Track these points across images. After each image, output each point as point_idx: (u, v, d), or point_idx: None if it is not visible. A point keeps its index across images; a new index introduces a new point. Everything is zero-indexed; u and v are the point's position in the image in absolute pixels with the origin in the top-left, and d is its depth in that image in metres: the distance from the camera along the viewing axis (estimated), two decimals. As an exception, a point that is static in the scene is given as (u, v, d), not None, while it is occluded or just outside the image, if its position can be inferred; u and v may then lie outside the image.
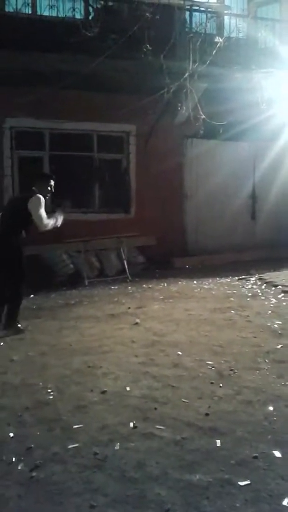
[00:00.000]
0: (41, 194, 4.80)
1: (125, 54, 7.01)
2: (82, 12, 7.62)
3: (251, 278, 7.25)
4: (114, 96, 8.06)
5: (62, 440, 2.65)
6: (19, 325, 4.89)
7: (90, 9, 7.66)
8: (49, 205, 5.18)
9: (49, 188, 4.96)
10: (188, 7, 7.94)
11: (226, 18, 8.58)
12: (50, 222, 4.83)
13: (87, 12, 7.65)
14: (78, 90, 7.78)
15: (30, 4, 7.55)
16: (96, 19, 7.11)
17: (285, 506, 2.06)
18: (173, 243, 8.86)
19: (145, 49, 6.65)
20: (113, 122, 8.41)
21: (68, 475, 2.32)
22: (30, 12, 7.57)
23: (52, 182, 4.98)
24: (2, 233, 4.81)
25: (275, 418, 2.82)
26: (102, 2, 7.70)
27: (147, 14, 6.64)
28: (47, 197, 4.97)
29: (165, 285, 7.12)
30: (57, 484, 2.26)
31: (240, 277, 7.41)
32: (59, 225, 4.94)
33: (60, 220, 4.94)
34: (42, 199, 4.78)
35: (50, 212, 4.98)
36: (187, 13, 8.02)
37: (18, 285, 4.88)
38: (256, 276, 7.31)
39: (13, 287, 4.86)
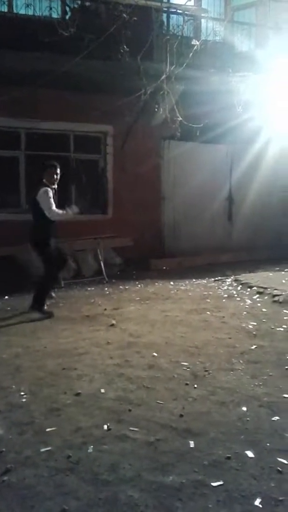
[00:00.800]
0: (49, 184, 5.53)
1: (102, 54, 6.98)
2: (59, 11, 7.55)
3: (227, 280, 7.31)
4: (91, 96, 8.03)
5: (35, 444, 2.61)
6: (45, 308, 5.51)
7: (67, 8, 7.61)
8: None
9: (55, 176, 5.61)
10: (166, 9, 7.97)
11: (203, 21, 8.64)
12: (59, 211, 5.48)
13: (64, 12, 7.59)
14: (55, 89, 7.72)
15: (6, 2, 7.45)
16: (73, 18, 7.05)
17: (257, 506, 2.08)
18: (150, 245, 8.86)
19: (122, 50, 6.63)
20: (90, 122, 8.36)
21: (40, 479, 2.29)
22: (6, 10, 7.47)
23: (58, 170, 5.63)
24: (31, 227, 5.60)
25: (248, 419, 2.84)
26: (79, 2, 7.66)
27: (124, 15, 6.62)
28: (55, 186, 5.64)
29: (142, 286, 7.11)
30: (29, 488, 2.22)
31: (216, 279, 7.46)
32: (71, 216, 5.67)
33: (70, 213, 5.64)
34: (49, 190, 5.45)
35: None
36: (165, 15, 8.05)
37: (46, 275, 5.64)
38: (232, 278, 7.37)
39: (43, 275, 5.66)
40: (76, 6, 7.62)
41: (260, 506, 2.07)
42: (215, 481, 2.25)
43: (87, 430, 2.74)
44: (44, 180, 5.56)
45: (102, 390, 3.29)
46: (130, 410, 2.98)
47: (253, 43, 9.06)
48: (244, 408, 2.98)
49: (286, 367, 3.65)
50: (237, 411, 2.95)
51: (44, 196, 5.40)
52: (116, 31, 6.82)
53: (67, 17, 7.47)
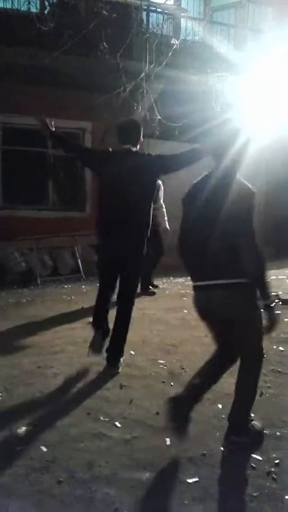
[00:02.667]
0: None
1: (81, 50, 6.95)
2: (38, 6, 7.48)
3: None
4: (69, 93, 7.96)
5: (10, 442, 2.58)
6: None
7: (46, 3, 7.53)
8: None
9: None
10: (145, 7, 7.97)
11: (182, 20, 8.67)
12: None
13: (42, 6, 7.52)
14: (33, 84, 7.63)
15: (-17, -5, 7.35)
16: (52, 13, 7.00)
17: (232, 502, 2.10)
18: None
19: (101, 47, 6.62)
20: (68, 118, 8.28)
21: (15, 477, 2.26)
22: (-17, 3, 7.36)
23: None
24: None
25: (223, 416, 2.86)
26: (58, -3, 7.60)
27: (104, 12, 6.61)
28: None
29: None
30: (4, 486, 2.20)
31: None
32: None
33: None
34: None
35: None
36: (144, 13, 8.05)
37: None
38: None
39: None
40: (55, 1, 7.56)
41: (234, 503, 2.10)
42: (191, 478, 2.26)
43: (63, 429, 2.72)
44: None
45: (79, 388, 3.28)
46: (106, 408, 2.97)
47: (231, 44, 9.14)
48: (220, 406, 3.00)
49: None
50: (213, 409, 2.98)
51: None
52: (96, 28, 6.81)
53: (46, 11, 7.40)
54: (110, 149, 3.91)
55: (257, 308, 2.45)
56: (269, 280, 2.43)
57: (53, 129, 3.81)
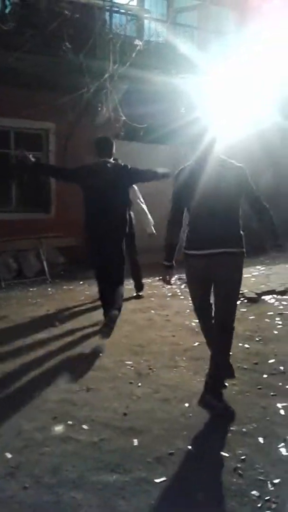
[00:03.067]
0: None
1: (44, 50, 6.86)
2: (-1, 4, 7.34)
3: (172, 279, 7.39)
4: (32, 93, 7.82)
5: (-27, 450, 2.52)
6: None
7: (7, 2, 7.40)
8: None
9: None
10: (108, 7, 7.94)
11: (146, 21, 8.69)
12: None
13: (3, 5, 7.37)
14: (-6, 84, 7.49)
15: None
16: (13, 12, 6.89)
17: (199, 500, 2.12)
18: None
19: (64, 47, 6.55)
20: (31, 119, 8.17)
21: (-21, 486, 2.21)
22: None
23: None
24: None
25: (190, 414, 2.89)
26: (19, -4, 7.48)
27: (66, 12, 6.55)
28: None
29: (86, 286, 7.04)
30: None
31: (161, 277, 7.52)
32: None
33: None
34: None
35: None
36: (107, 13, 8.02)
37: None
38: (176, 276, 7.45)
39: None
40: (16, 0, 7.43)
41: (202, 500, 2.11)
42: (159, 478, 2.26)
43: (28, 434, 2.68)
44: None
45: (45, 393, 3.23)
46: (73, 412, 2.94)
47: (195, 45, 9.22)
48: (187, 404, 3.02)
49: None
50: (180, 408, 2.99)
51: None
52: (58, 27, 6.74)
53: (6, 11, 7.27)
54: (91, 164, 4.67)
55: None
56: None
57: (33, 160, 4.54)
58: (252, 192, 3.06)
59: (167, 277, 3.26)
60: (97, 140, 4.76)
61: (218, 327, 3.02)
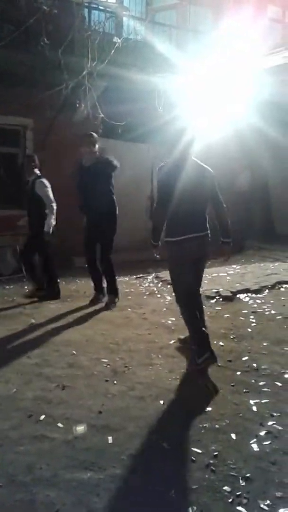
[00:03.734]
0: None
1: (21, 46, 6.79)
2: (-24, -2, 7.23)
3: (148, 277, 7.43)
4: (9, 88, 7.74)
5: None
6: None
7: (-15, -4, 7.30)
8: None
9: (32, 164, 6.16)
10: (87, 4, 7.91)
11: (124, 19, 8.68)
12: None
13: (-20, -1, 7.28)
14: (-29, 79, 7.38)
15: None
16: (-9, 7, 6.80)
17: (172, 496, 2.15)
18: (73, 242, 8.75)
19: (42, 43, 6.49)
20: (8, 114, 8.09)
21: None
22: None
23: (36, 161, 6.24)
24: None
25: (165, 412, 2.92)
26: (-4, -10, 7.38)
27: (45, 7, 6.49)
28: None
29: (64, 284, 7.02)
30: None
31: (138, 276, 7.56)
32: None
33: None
34: (45, 181, 6.07)
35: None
36: (86, 10, 7.98)
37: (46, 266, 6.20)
38: (153, 275, 7.50)
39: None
40: (-6, -6, 7.34)
41: (175, 496, 2.15)
42: (133, 475, 2.29)
43: (2, 433, 2.67)
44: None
45: (19, 391, 3.22)
46: (47, 410, 2.94)
47: (173, 44, 9.26)
48: (162, 402, 3.06)
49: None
50: (154, 405, 3.02)
51: (43, 187, 6.13)
52: (36, 23, 6.67)
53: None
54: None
55: None
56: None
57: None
58: (218, 196, 3.70)
59: (156, 251, 4.01)
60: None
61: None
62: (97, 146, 5.65)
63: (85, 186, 5.60)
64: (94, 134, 5.76)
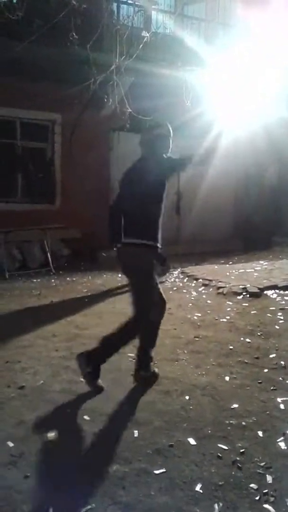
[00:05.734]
0: None
1: (50, 41, 6.83)
2: (6, -6, 7.30)
3: (174, 272, 7.41)
4: (39, 83, 7.83)
5: (-24, 438, 2.55)
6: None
7: (15, -9, 7.35)
8: None
9: None
10: (116, -2, 7.90)
11: (153, 13, 8.63)
12: None
13: (11, -5, 7.34)
14: (1, 75, 7.47)
15: None
16: (21, 2, 6.84)
17: (197, 491, 2.14)
18: (99, 236, 8.79)
19: (71, 38, 6.50)
20: (37, 109, 8.18)
21: (-19, 474, 2.24)
22: None
23: None
24: None
25: (191, 407, 2.91)
26: (27, -15, 7.43)
27: (74, 2, 6.50)
28: None
29: (90, 278, 7.08)
30: None
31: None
32: None
33: None
34: None
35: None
36: (115, 4, 7.97)
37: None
38: (179, 270, 7.48)
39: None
40: (24, -11, 7.39)
41: (201, 491, 2.14)
42: (158, 469, 2.29)
43: (30, 423, 2.71)
44: None
45: (47, 383, 3.26)
46: (75, 402, 2.97)
47: (202, 38, 9.16)
48: (187, 397, 3.05)
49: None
50: (180, 400, 3.01)
51: None
52: (65, 18, 6.69)
53: (14, 0, 7.23)
54: None
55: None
56: None
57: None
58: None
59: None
60: None
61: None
62: None
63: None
64: None
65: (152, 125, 3.47)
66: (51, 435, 2.58)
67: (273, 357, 3.73)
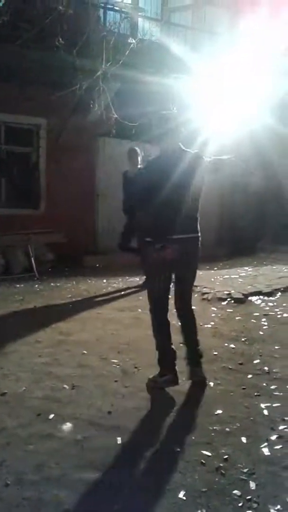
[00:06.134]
0: None
1: (37, 45, 6.83)
2: (-8, -2, 7.28)
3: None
4: (24, 88, 7.78)
5: None
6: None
7: (1, -5, 7.34)
8: None
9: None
10: (103, 4, 7.93)
11: (140, 20, 8.68)
12: None
13: (-3, -2, 7.32)
14: (-15, 78, 7.44)
15: None
16: (8, 5, 6.84)
17: (181, 498, 2.13)
18: (83, 241, 8.78)
19: (57, 43, 6.52)
20: (22, 114, 8.14)
21: None
22: None
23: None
24: None
25: (175, 414, 2.90)
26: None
27: (60, 7, 6.51)
28: None
29: (74, 283, 7.03)
30: None
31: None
32: None
33: None
34: None
35: None
36: (101, 11, 8.01)
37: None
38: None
39: None
40: (10, -7, 7.38)
41: (184, 498, 2.12)
42: (141, 476, 2.27)
43: (12, 430, 2.67)
44: None
45: (29, 389, 3.22)
46: (57, 409, 2.94)
47: (188, 46, 9.23)
48: (171, 403, 3.03)
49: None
50: (164, 406, 3.00)
51: None
52: (52, 23, 6.70)
53: (0, 4, 7.21)
54: None
55: None
56: None
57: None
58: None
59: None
60: None
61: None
62: (139, 158, 6.40)
63: (132, 194, 5.92)
64: (137, 149, 6.54)
65: (161, 119, 3.44)
66: (67, 427, 2.62)
67: (257, 362, 3.74)
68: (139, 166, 6.31)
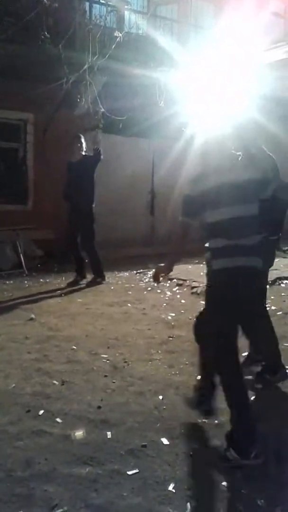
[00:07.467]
0: None
1: (22, 39, 6.75)
2: (-24, -9, 7.18)
3: (148, 272, 7.40)
4: (10, 83, 7.70)
5: None
6: None
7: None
8: None
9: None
10: (88, -3, 7.87)
11: (126, 13, 8.62)
12: None
13: (-19, -8, 7.22)
14: None
15: None
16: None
17: (170, 491, 2.14)
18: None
19: (43, 36, 6.45)
20: (9, 109, 8.06)
21: None
22: None
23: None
24: None
25: (164, 407, 2.92)
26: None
27: (45, 0, 6.44)
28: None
29: (63, 279, 7.01)
30: None
31: (138, 271, 7.54)
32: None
33: None
34: None
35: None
36: (87, 4, 7.94)
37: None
38: (153, 271, 7.47)
39: None
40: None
41: (173, 491, 2.14)
42: (131, 470, 2.28)
43: (1, 427, 2.66)
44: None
45: (18, 386, 3.21)
46: (47, 405, 2.94)
47: (175, 39, 9.20)
48: (161, 397, 3.05)
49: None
50: (154, 400, 3.01)
51: None
52: (37, 16, 6.63)
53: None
54: None
55: None
56: None
57: None
58: None
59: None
60: None
61: None
62: (84, 146, 6.64)
63: (72, 179, 6.53)
64: (81, 136, 6.75)
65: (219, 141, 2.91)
66: (79, 433, 2.59)
67: (246, 354, 3.76)
68: (82, 153, 6.63)
